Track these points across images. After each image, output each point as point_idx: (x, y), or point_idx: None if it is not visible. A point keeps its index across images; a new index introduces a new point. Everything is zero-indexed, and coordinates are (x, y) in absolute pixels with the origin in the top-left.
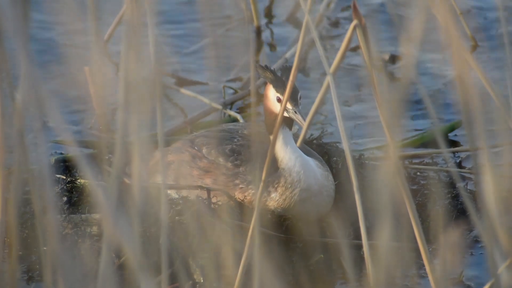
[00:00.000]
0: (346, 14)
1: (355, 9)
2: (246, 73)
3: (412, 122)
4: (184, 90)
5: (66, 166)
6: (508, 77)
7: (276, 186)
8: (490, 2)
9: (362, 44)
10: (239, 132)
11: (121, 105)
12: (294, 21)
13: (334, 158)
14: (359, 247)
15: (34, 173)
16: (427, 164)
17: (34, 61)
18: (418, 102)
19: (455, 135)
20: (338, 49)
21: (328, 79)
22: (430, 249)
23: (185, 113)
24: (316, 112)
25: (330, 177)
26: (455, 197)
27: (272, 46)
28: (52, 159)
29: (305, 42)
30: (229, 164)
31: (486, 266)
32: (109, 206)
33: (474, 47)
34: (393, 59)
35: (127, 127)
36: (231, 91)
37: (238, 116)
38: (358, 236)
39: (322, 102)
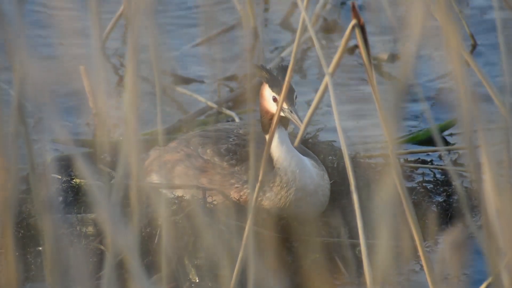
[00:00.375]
0: (342, 14)
1: (354, 9)
2: (242, 72)
3: (408, 120)
4: (179, 89)
5: (62, 165)
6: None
7: (271, 185)
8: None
9: (360, 44)
10: (235, 131)
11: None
12: (289, 24)
13: (330, 157)
14: (355, 246)
15: (30, 172)
16: (422, 162)
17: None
18: (415, 100)
19: (451, 133)
20: (334, 50)
21: (327, 78)
22: (427, 247)
23: (181, 111)
24: (315, 111)
25: (326, 176)
26: (451, 195)
27: (268, 46)
28: (48, 158)
29: (302, 41)
30: (225, 164)
31: (483, 264)
32: (106, 206)
33: (474, 46)
34: (393, 58)
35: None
36: (227, 89)
37: (234, 115)
38: (353, 235)
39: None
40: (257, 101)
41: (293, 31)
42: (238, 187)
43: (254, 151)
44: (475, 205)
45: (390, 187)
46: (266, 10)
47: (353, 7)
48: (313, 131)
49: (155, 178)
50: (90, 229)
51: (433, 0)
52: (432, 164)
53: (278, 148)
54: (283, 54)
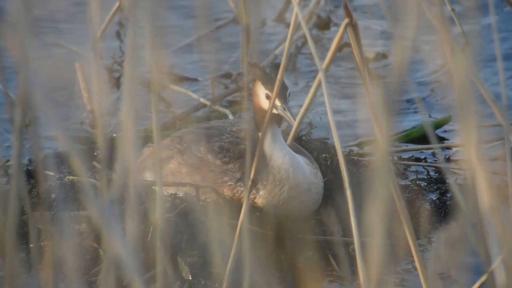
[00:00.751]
0: (336, 11)
1: (346, 7)
2: (236, 70)
3: (402, 117)
4: (173, 86)
5: (55, 162)
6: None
7: (264, 183)
8: None
9: (353, 43)
10: (228, 129)
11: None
12: (283, 20)
13: (323, 155)
14: (348, 244)
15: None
16: (416, 159)
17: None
18: (408, 98)
19: (444, 131)
20: (328, 47)
21: (320, 75)
22: (420, 245)
23: (175, 109)
24: (308, 109)
25: (319, 174)
26: (445, 192)
27: (261, 43)
28: (42, 155)
29: (295, 38)
30: (218, 161)
31: (476, 262)
32: (100, 204)
33: (466, 44)
34: (379, 57)
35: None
36: (221, 87)
37: (227, 112)
38: (346, 233)
39: (313, 98)
40: (250, 99)
41: (288, 26)
42: (231, 184)
43: (249, 149)
44: (469, 203)
45: (383, 185)
46: (260, 6)
47: (346, 6)
48: (307, 128)
49: (148, 176)
50: (84, 227)
51: None
52: (425, 161)
53: (271, 145)
54: (277, 51)
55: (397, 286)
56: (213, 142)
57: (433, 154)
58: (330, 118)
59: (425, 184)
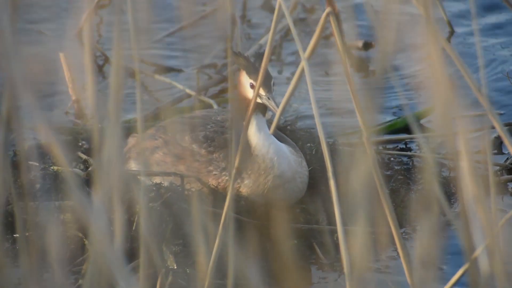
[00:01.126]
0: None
1: None
2: (220, 60)
3: (386, 107)
4: (158, 76)
5: (40, 153)
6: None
7: (249, 172)
8: None
9: (335, 32)
10: (213, 118)
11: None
12: (269, 8)
13: (308, 144)
14: (332, 232)
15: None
16: (400, 149)
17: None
18: (392, 88)
19: (429, 121)
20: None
21: (303, 64)
22: (404, 233)
23: (159, 99)
24: (291, 98)
25: (304, 163)
26: (428, 182)
27: (247, 33)
28: (26, 145)
29: (280, 28)
30: (203, 151)
31: (460, 250)
32: (84, 193)
33: (451, 34)
34: (367, 46)
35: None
36: (205, 77)
37: (212, 102)
38: (331, 222)
39: (296, 88)
40: (235, 89)
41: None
42: (216, 174)
43: (233, 138)
44: (453, 192)
45: (367, 174)
46: None
47: None
48: (292, 118)
49: (133, 166)
50: (68, 216)
51: None
52: (410, 151)
53: (256, 135)
54: (262, 41)
55: (380, 274)
56: (197, 132)
57: (418, 144)
58: (314, 107)
59: (409, 174)
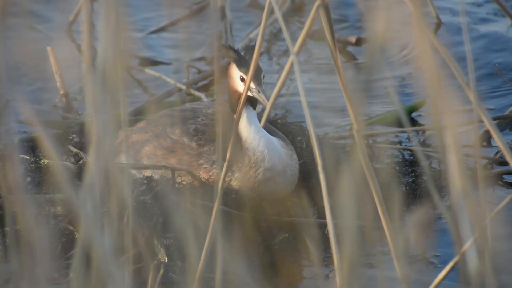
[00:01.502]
0: None
1: None
2: (210, 53)
3: (376, 101)
4: (148, 70)
5: (30, 146)
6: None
7: (240, 165)
8: None
9: (324, 25)
10: (203, 111)
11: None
12: (258, 4)
13: (299, 138)
14: (323, 226)
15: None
16: (391, 143)
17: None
18: (383, 80)
19: (419, 114)
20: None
21: (292, 58)
22: (394, 227)
23: (149, 92)
24: (280, 91)
25: (294, 156)
26: (419, 175)
27: (236, 27)
28: (16, 139)
29: (270, 22)
30: (193, 144)
31: (450, 243)
32: (72, 187)
33: (438, 26)
34: (359, 41)
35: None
36: (195, 71)
37: (202, 96)
38: (322, 215)
39: (286, 81)
40: (225, 82)
41: (263, 10)
42: (207, 167)
43: (222, 131)
44: (443, 186)
45: (358, 168)
46: None
47: None
48: (282, 112)
49: (123, 159)
50: (59, 210)
51: None
52: (400, 145)
53: (246, 128)
54: (252, 35)
55: (371, 268)
56: (188, 125)
57: (408, 138)
58: (303, 100)
59: (400, 167)
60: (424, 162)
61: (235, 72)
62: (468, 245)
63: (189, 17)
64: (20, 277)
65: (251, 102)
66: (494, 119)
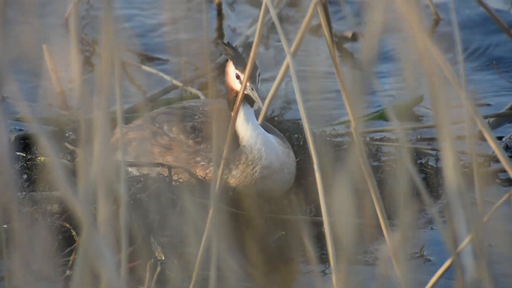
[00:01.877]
0: None
1: None
2: (207, 50)
3: (373, 98)
4: (145, 67)
5: (26, 144)
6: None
7: (237, 163)
8: None
9: (323, 22)
10: (200, 109)
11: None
12: (255, 2)
13: (296, 135)
14: (320, 224)
15: None
16: (388, 140)
17: None
18: (379, 77)
19: (417, 110)
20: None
21: (288, 59)
22: (391, 225)
23: (146, 90)
24: (277, 90)
25: (291, 154)
26: (416, 173)
27: (233, 24)
28: (12, 137)
29: (267, 19)
30: (190, 142)
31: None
32: (69, 184)
33: (437, 22)
34: (356, 36)
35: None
36: (192, 68)
37: (199, 93)
38: (319, 213)
39: (282, 80)
40: (222, 79)
41: (260, 6)
42: (203, 165)
43: (219, 128)
44: (440, 183)
45: (355, 165)
46: None
47: None
48: (279, 109)
49: (120, 156)
50: (55, 207)
51: None
52: (397, 142)
53: (243, 125)
54: (249, 32)
55: (368, 266)
56: (185, 122)
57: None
58: (298, 99)
59: (397, 164)
60: (421, 160)
61: (231, 70)
62: (464, 244)
63: (186, 12)
64: (17, 275)
65: (248, 100)
66: (492, 116)
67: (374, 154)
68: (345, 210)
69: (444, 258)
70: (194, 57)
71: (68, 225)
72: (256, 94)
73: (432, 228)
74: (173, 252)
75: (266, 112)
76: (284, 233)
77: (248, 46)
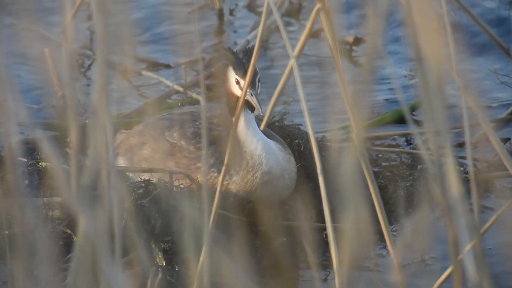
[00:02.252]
0: None
1: None
2: (208, 55)
3: (375, 102)
4: (146, 72)
5: (28, 148)
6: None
7: (238, 169)
8: None
9: (325, 28)
10: (201, 114)
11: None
12: (256, 7)
13: (296, 141)
14: (321, 230)
15: None
16: (389, 145)
17: None
18: (381, 81)
19: (418, 115)
20: (300, 32)
21: (292, 62)
22: (393, 231)
23: (147, 95)
24: (280, 95)
25: (292, 159)
26: (417, 179)
27: (234, 28)
28: (14, 141)
29: (267, 24)
30: (191, 147)
31: (448, 247)
32: (73, 189)
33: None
34: (358, 41)
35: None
36: (193, 73)
37: (200, 98)
38: (320, 219)
39: (285, 85)
40: (223, 84)
41: (260, 13)
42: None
43: (220, 134)
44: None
45: (356, 171)
46: None
47: None
48: (280, 114)
49: (121, 162)
50: (57, 213)
51: None
52: (398, 147)
53: (244, 131)
54: (249, 37)
55: (370, 271)
56: (186, 128)
57: (407, 140)
58: (303, 104)
59: (398, 170)
60: (422, 165)
61: (231, 75)
62: (465, 251)
63: (187, 17)
64: (18, 280)
65: (249, 105)
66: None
67: (375, 159)
68: (347, 215)
69: (445, 263)
70: (195, 62)
71: (69, 231)
72: (255, 100)
73: (433, 234)
74: (174, 258)
75: (268, 118)
76: (285, 239)
77: (248, 51)
